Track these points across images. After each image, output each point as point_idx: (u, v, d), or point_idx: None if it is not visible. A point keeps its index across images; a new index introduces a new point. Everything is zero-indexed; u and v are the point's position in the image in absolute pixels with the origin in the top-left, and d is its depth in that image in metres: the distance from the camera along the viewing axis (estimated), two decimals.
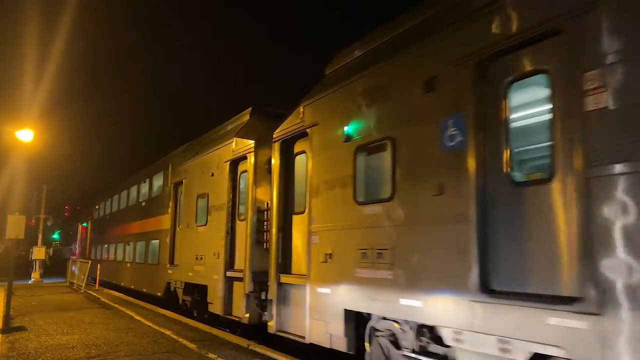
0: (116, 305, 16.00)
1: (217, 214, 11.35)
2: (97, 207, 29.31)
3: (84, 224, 32.34)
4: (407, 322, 5.88)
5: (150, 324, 11.94)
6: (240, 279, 9.93)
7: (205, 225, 11.98)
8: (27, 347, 9.02)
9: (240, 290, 9.90)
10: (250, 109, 11.23)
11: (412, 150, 5.78)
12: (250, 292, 9.58)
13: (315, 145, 7.74)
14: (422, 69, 5.72)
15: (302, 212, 8.23)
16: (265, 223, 9.66)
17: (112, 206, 25.37)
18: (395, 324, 6.15)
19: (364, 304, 6.39)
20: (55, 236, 56.83)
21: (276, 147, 8.90)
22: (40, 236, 30.67)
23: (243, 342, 9.39)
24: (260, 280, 9.51)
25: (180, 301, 13.47)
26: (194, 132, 17.76)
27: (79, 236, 33.75)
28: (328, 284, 7.09)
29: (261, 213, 9.80)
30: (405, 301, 5.68)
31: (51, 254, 41.66)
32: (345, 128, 6.99)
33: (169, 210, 14.98)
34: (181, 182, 14.21)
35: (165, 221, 15.33)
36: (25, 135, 14.67)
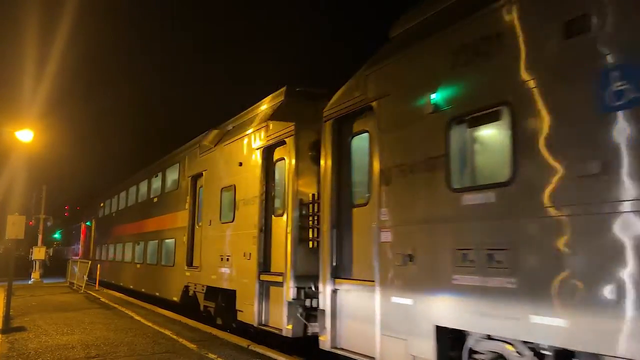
0: (116, 306, 15.86)
1: (247, 208, 9.90)
2: (102, 204, 27.44)
3: (88, 223, 30.59)
4: (529, 344, 4.48)
5: (150, 324, 11.84)
6: (279, 284, 8.49)
7: (232, 221, 10.53)
8: (26, 347, 8.97)
9: (279, 297, 8.46)
10: (284, 88, 9.76)
11: (545, 114, 4.33)
12: (294, 299, 8.13)
13: (384, 122, 6.30)
14: (563, 7, 4.29)
15: (364, 204, 6.80)
16: (311, 218, 8.21)
17: (119, 203, 23.47)
18: (509, 347, 4.73)
19: (466, 319, 4.96)
20: (57, 235, 55.62)
21: (327, 127, 7.47)
22: (40, 236, 30.43)
23: (243, 342, 9.28)
24: (304, 285, 8.10)
25: (202, 307, 11.95)
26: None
27: (82, 236, 32.12)
28: (409, 293, 5.65)
29: (305, 207, 8.36)
30: (538, 318, 4.25)
31: (51, 254, 40.52)
32: (432, 96, 5.54)
33: (186, 206, 13.46)
34: (201, 175, 12.72)
35: (182, 218, 13.78)
36: (25, 135, 14.55)
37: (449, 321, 5.17)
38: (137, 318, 12.94)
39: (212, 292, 11.45)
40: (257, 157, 9.67)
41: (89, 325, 11.54)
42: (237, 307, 9.96)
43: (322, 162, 7.54)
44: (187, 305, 13.00)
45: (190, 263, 12.97)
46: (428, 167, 5.52)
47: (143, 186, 19.25)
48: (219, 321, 11.16)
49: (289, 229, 8.36)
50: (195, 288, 12.36)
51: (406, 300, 5.68)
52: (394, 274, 5.89)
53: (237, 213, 10.35)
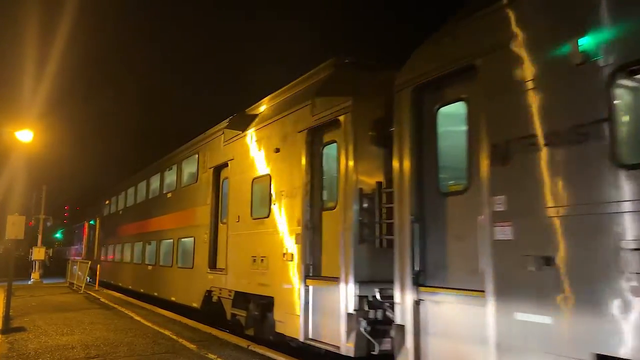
0: (116, 306, 15.70)
1: (287, 202, 8.45)
2: (107, 202, 25.44)
3: (91, 222, 28.76)
4: None
5: (150, 324, 11.72)
6: (334, 291, 7.01)
7: (268, 217, 9.04)
8: (26, 347, 8.92)
9: (335, 308, 6.98)
10: (332, 59, 8.29)
11: None
12: (355, 310, 6.67)
13: (497, 83, 4.85)
14: None
15: (461, 192, 5.36)
16: (377, 211, 6.73)
17: (126, 201, 21.55)
18: None
19: None
20: (58, 235, 54.30)
21: (403, 98, 6.02)
22: (40, 236, 30.00)
23: (243, 343, 9.17)
24: (367, 293, 6.66)
25: (229, 316, 10.37)
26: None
27: (85, 235, 30.31)
28: (546, 308, 4.19)
29: (367, 198, 6.89)
30: None
31: (51, 255, 39.46)
32: (580, 43, 4.10)
33: (208, 201, 11.87)
34: (225, 165, 11.20)
35: (202, 215, 12.19)
36: (25, 135, 14.50)
37: (614, 349, 3.71)
38: (137, 318, 12.78)
39: (243, 299, 9.90)
40: (300, 142, 8.17)
41: (88, 325, 11.46)
42: (276, 317, 8.50)
43: (395, 141, 6.10)
44: (210, 312, 11.48)
45: (213, 265, 11.43)
46: (577, 137, 4.07)
47: (154, 181, 17.45)
48: (250, 332, 9.69)
49: (347, 225, 6.90)
50: (220, 293, 10.79)
51: (542, 318, 4.22)
52: (520, 283, 4.43)
53: (275, 207, 8.86)
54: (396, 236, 5.95)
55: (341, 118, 7.26)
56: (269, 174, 9.18)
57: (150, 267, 16.71)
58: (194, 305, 12.17)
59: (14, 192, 22.27)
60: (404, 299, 5.72)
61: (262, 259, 9.07)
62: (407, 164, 5.86)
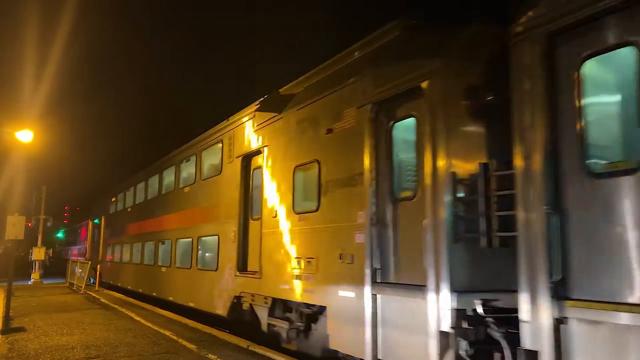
0: (116, 306, 15.69)
1: (344, 192, 6.97)
2: (113, 199, 23.75)
3: (96, 221, 27.19)
4: None
5: (150, 324, 11.71)
6: (418, 302, 5.55)
7: (316, 211, 7.58)
8: (26, 347, 8.91)
9: (419, 323, 5.50)
10: (398, 20, 6.79)
11: None
12: (452, 328, 5.20)
13: None
14: None
15: (627, 172, 3.89)
16: (483, 201, 5.21)
17: (135, 197, 19.92)
18: None
19: None
20: (60, 235, 53.19)
21: (527, 48, 4.57)
22: (40, 237, 30.02)
23: (243, 343, 9.12)
24: (465, 307, 5.19)
25: (265, 327, 8.95)
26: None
27: (88, 235, 28.96)
28: None
29: (463, 185, 5.42)
30: None
31: (51, 255, 38.67)
32: None
33: (235, 195, 10.37)
34: (257, 153, 9.77)
35: (227, 210, 10.73)
36: (25, 136, 14.57)
37: None
38: (137, 319, 12.78)
39: (282, 307, 8.55)
40: (362, 119, 6.70)
41: (88, 325, 11.50)
42: (329, 330, 7.06)
43: (516, 107, 4.65)
44: (239, 321, 10.04)
45: (243, 267, 9.94)
46: None
47: (168, 175, 15.84)
48: (292, 346, 8.24)
49: (437, 220, 5.41)
50: (253, 300, 9.33)
51: None
52: None
53: (325, 199, 7.39)
54: (520, 233, 4.50)
55: (424, 85, 5.78)
56: (316, 160, 7.72)
57: (164, 269, 15.05)
58: (219, 312, 10.67)
59: (14, 192, 21.71)
60: (536, 317, 4.27)
61: (309, 261, 7.62)
62: (538, 136, 4.40)
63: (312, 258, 7.56)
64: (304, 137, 8.16)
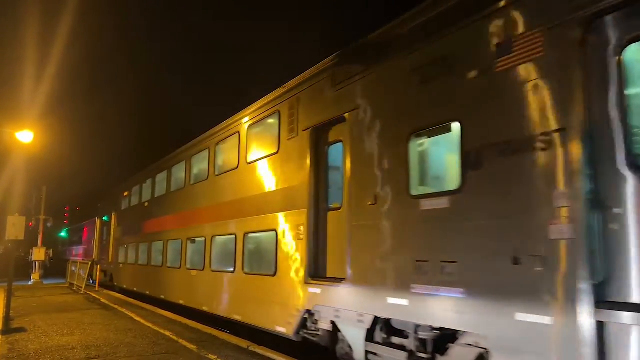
0: (116, 307, 15.68)
1: (515, 162, 4.86)
2: (126, 194, 21.13)
3: (105, 219, 25.18)
4: None
5: (150, 325, 11.73)
6: None
7: (459, 192, 5.46)
8: (27, 348, 8.95)
9: None
10: None
11: None
12: None
13: None
14: None
15: None
16: None
17: (154, 190, 17.16)
18: None
19: None
20: (63, 234, 53.84)
21: None
22: (40, 237, 30.12)
23: (243, 343, 9.17)
24: None
25: (362, 354, 6.81)
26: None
27: (97, 234, 27.56)
28: None
29: None
30: None
31: (51, 255, 39.43)
32: None
33: (301, 178, 8.39)
34: (339, 121, 7.69)
35: (289, 199, 8.72)
36: (25, 136, 14.58)
37: None
38: (137, 319, 12.76)
39: (392, 331, 6.53)
40: (559, 44, 4.51)
41: (89, 326, 11.51)
42: None
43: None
44: (313, 343, 8.01)
45: (314, 273, 7.98)
46: None
47: (199, 161, 13.32)
48: None
49: None
50: (337, 317, 7.25)
51: None
52: None
53: (473, 174, 5.29)
54: None
55: None
56: (455, 120, 5.64)
57: (194, 273, 12.70)
58: (280, 329, 8.59)
59: (14, 192, 22.35)
60: None
61: (444, 266, 5.51)
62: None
63: (449, 262, 5.47)
64: (427, 89, 6.04)
